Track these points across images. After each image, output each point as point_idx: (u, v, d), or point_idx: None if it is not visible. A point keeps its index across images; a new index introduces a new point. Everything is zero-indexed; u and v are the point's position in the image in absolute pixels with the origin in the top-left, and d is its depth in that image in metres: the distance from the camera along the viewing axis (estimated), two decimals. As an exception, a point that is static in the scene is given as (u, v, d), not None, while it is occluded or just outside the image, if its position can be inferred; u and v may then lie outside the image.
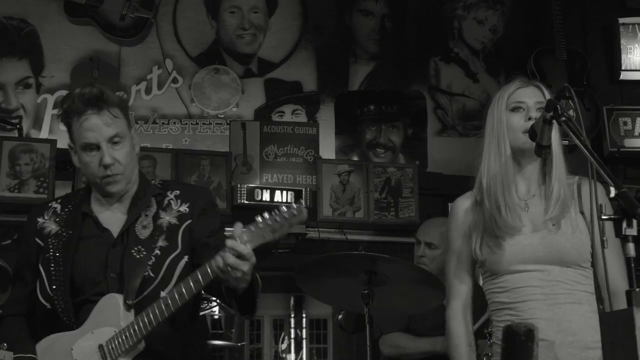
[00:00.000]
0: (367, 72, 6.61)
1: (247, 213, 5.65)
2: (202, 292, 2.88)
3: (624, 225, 2.15)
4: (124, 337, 2.71)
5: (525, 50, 6.62)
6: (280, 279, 7.39)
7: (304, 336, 8.57)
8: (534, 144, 2.80)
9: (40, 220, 3.01)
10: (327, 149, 6.28)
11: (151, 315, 2.69)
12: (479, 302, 3.17)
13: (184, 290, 2.66)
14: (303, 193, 5.86)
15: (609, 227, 2.37)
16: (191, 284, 2.65)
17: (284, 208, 2.58)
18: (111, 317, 2.76)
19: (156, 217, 2.92)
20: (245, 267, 2.55)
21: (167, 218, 2.92)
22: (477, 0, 6.83)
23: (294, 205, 2.59)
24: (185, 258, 2.88)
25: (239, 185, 5.77)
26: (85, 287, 2.83)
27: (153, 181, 3.09)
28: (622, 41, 6.69)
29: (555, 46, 6.44)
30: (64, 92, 6.01)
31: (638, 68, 6.70)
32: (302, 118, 6.39)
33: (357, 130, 6.45)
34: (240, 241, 2.53)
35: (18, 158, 5.46)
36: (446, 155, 6.40)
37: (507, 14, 6.85)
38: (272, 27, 6.55)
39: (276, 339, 8.77)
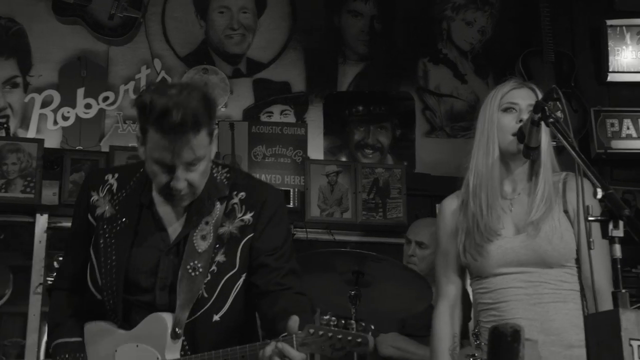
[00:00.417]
0: (356, 72, 6.61)
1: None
2: None
3: (611, 226, 2.16)
4: None
5: (513, 51, 6.63)
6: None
7: None
8: (522, 146, 2.81)
9: (94, 196, 2.71)
10: (316, 149, 6.28)
11: None
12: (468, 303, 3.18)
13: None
14: (291, 193, 5.86)
15: (595, 227, 2.38)
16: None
17: (353, 324, 2.27)
18: (157, 339, 2.56)
19: (218, 224, 2.63)
20: None
21: (229, 228, 2.63)
22: (466, 2, 6.84)
23: (364, 334, 2.26)
24: (243, 277, 2.63)
25: (227, 186, 5.75)
26: (132, 289, 2.62)
27: (219, 173, 2.72)
28: (610, 43, 6.71)
29: (543, 48, 6.45)
30: (51, 92, 6.00)
31: (625, 70, 6.72)
32: (291, 118, 6.38)
33: (345, 131, 6.45)
34: (295, 343, 2.28)
35: (5, 157, 5.44)
36: (434, 157, 6.40)
37: (495, 15, 6.87)
38: (261, 28, 6.54)
39: (264, 340, 8.74)
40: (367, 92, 6.57)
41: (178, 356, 2.56)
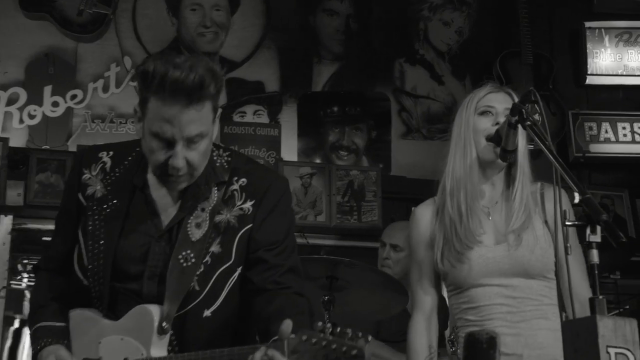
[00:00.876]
0: (331, 72, 6.60)
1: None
2: None
3: (588, 231, 2.16)
4: None
5: (491, 52, 6.66)
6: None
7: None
8: (499, 150, 2.82)
9: (86, 173, 2.59)
10: (289, 150, 6.26)
11: None
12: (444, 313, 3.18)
13: None
14: (264, 196, 5.84)
15: (573, 232, 2.39)
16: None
17: (349, 333, 2.09)
18: (143, 334, 2.43)
19: (214, 212, 2.49)
20: None
21: (227, 216, 2.49)
22: (443, 2, 6.86)
23: (359, 343, 2.07)
24: (239, 270, 2.50)
25: (198, 187, 5.73)
26: (120, 276, 2.50)
27: (220, 156, 2.61)
28: (589, 45, 6.75)
29: (522, 49, 6.49)
30: (17, 89, 5.94)
31: (604, 73, 6.77)
32: (264, 119, 6.36)
33: (320, 132, 6.44)
34: (287, 350, 2.14)
35: (-31, 157, 5.39)
36: (410, 159, 6.41)
37: (473, 16, 6.89)
38: (234, 26, 6.52)
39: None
40: (343, 92, 6.57)
41: (165, 352, 2.44)
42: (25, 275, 5.38)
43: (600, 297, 2.13)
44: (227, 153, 2.63)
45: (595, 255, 2.16)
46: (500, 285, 2.83)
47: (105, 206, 2.55)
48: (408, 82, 6.69)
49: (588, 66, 6.73)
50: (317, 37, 6.65)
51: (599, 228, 2.15)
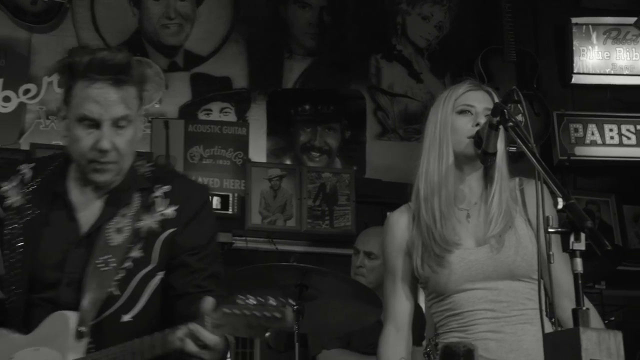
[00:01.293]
0: (303, 68, 6.61)
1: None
2: None
3: (572, 239, 2.18)
4: None
5: (472, 49, 6.70)
6: (203, 292, 7.32)
7: (228, 356, 8.52)
8: (479, 151, 2.82)
9: (4, 185, 2.67)
10: (258, 151, 6.27)
11: None
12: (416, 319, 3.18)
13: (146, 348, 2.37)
14: (230, 199, 5.84)
15: (555, 239, 2.40)
16: (153, 344, 2.37)
17: (272, 303, 2.27)
18: (60, 340, 2.48)
19: (136, 218, 2.60)
20: (207, 356, 2.32)
21: (148, 222, 2.60)
22: (423, -6, 6.90)
23: (282, 308, 2.27)
24: (161, 275, 2.59)
25: (160, 189, 5.72)
26: (37, 286, 2.56)
27: (143, 166, 2.73)
28: (575, 42, 6.81)
29: (505, 46, 6.53)
30: (-34, 82, 5.92)
31: (591, 71, 6.83)
32: (231, 117, 6.36)
33: (290, 131, 6.45)
34: (209, 324, 2.28)
35: None
36: (386, 161, 6.43)
37: (454, 10, 6.93)
38: (200, 17, 6.51)
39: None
40: (315, 89, 6.58)
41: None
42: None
43: (584, 308, 2.14)
44: (150, 164, 2.76)
45: (579, 264, 2.17)
46: (485, 289, 2.84)
47: (25, 215, 2.63)
48: (384, 79, 6.71)
49: (574, 64, 6.79)
50: (288, 30, 6.66)
51: (583, 235, 2.16)
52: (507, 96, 2.69)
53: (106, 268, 2.52)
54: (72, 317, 2.50)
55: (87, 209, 2.62)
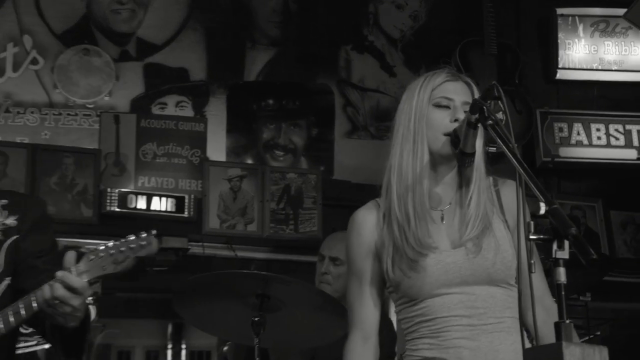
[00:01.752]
0: (266, 60, 6.61)
1: (118, 223, 5.60)
2: (24, 327, 2.86)
3: (554, 247, 2.18)
4: None
5: (450, 41, 6.72)
6: (156, 302, 7.32)
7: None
8: (457, 150, 2.83)
9: None
10: (217, 149, 6.26)
11: None
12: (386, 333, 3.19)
13: (0, 324, 2.62)
14: (186, 201, 5.82)
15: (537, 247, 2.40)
16: (10, 316, 2.61)
17: (132, 237, 2.62)
18: None
19: None
20: (76, 301, 2.55)
21: None
22: (397, -19, 6.92)
23: (143, 235, 2.63)
24: (7, 280, 2.80)
25: (109, 190, 5.70)
26: None
27: None
28: (560, 35, 6.86)
29: (485, 38, 6.56)
30: None
31: (577, 66, 6.88)
32: (188, 112, 6.35)
33: (252, 128, 6.45)
34: (74, 272, 2.56)
35: None
36: (356, 161, 6.45)
37: (430, -2, 6.96)
38: (154, 3, 6.49)
39: (150, 374, 8.70)
40: (279, 83, 6.58)
41: None
42: None
43: (568, 321, 2.15)
44: None
45: (562, 274, 2.17)
46: (461, 294, 2.84)
47: None
48: (355, 72, 6.72)
49: (559, 59, 6.84)
50: (250, 18, 6.66)
51: (567, 243, 2.17)
52: (486, 92, 2.68)
53: None
54: None
55: None
